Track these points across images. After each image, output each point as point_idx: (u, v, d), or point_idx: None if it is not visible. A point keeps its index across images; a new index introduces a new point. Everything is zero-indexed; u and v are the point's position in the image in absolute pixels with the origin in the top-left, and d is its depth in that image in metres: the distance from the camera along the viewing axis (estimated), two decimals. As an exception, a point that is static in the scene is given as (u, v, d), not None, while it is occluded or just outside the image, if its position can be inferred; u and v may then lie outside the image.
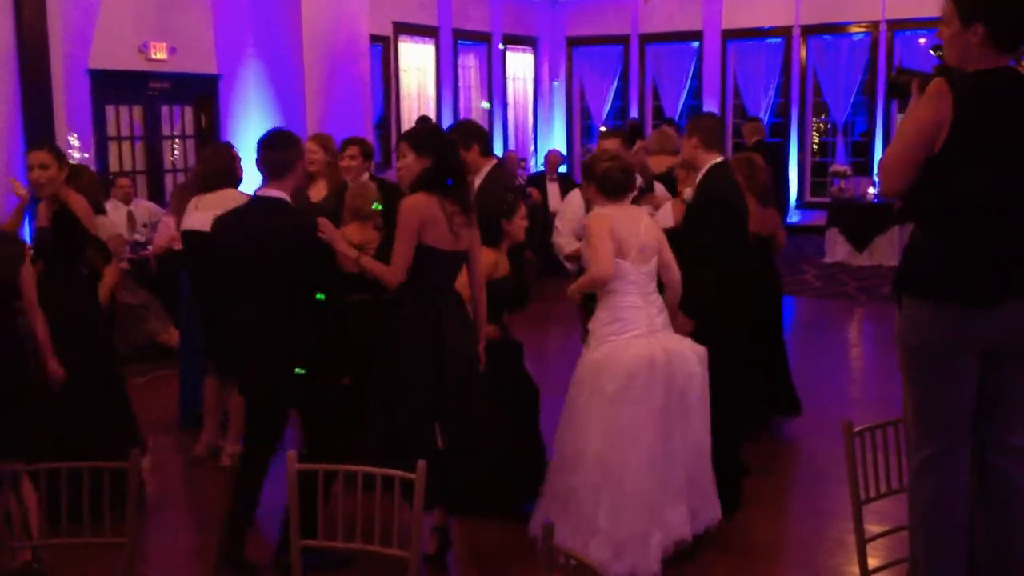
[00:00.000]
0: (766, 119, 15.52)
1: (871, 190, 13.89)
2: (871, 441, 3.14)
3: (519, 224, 5.08)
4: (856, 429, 3.09)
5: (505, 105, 16.23)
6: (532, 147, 16.92)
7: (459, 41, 15.14)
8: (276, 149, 4.50)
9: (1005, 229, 3.12)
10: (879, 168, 3.30)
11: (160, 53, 10.70)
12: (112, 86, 10.23)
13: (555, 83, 17.18)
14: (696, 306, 4.69)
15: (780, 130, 15.57)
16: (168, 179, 11.06)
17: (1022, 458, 3.16)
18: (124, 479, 3.28)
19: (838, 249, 13.24)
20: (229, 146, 6.18)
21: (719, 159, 4.86)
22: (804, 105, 15.53)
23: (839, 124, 15.41)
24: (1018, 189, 3.10)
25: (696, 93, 16.31)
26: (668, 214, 5.11)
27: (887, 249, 12.82)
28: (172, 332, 8.05)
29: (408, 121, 13.90)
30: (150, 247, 8.65)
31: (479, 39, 15.61)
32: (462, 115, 15.48)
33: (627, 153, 5.71)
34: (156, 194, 10.77)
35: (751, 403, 5.26)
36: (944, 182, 3.10)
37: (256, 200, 4.52)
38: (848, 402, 7.22)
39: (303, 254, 4.36)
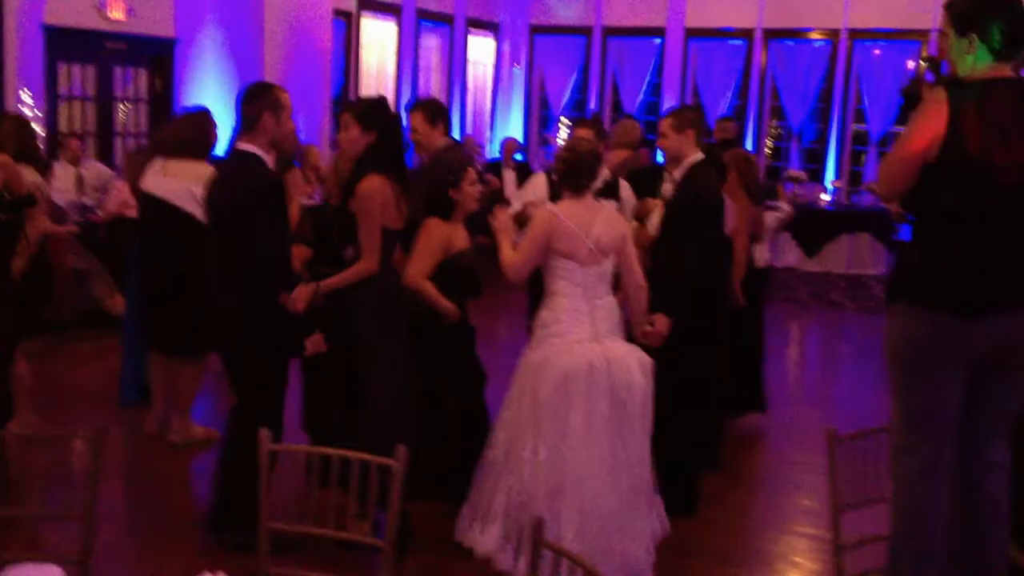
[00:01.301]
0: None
1: (823, 196, 14.03)
2: (849, 448, 3.11)
3: (468, 191, 4.79)
4: (838, 436, 3.05)
5: (464, 89, 16.09)
6: (488, 133, 16.81)
7: (422, 21, 14.96)
8: (244, 101, 4.46)
9: (994, 242, 3.12)
10: (879, 170, 3.29)
11: (117, 12, 10.39)
12: (66, 44, 9.92)
13: (516, 69, 17.07)
14: (670, 304, 4.64)
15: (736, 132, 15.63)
16: (118, 142, 10.77)
17: (999, 472, 3.17)
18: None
19: (788, 254, 13.34)
20: (207, 114, 5.94)
21: (701, 156, 4.79)
22: (762, 108, 15.62)
23: (794, 129, 15.52)
24: (1009, 203, 3.09)
25: (656, 90, 16.31)
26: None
27: (837, 256, 12.96)
28: (118, 299, 7.80)
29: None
30: (99, 211, 8.40)
31: (442, 20, 15.45)
32: (421, 95, 15.33)
33: (598, 145, 5.63)
34: (105, 157, 10.48)
35: (718, 405, 5.21)
36: (937, 192, 3.09)
37: (226, 153, 4.46)
38: (803, 404, 7.26)
39: (248, 215, 4.26)
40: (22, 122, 5.88)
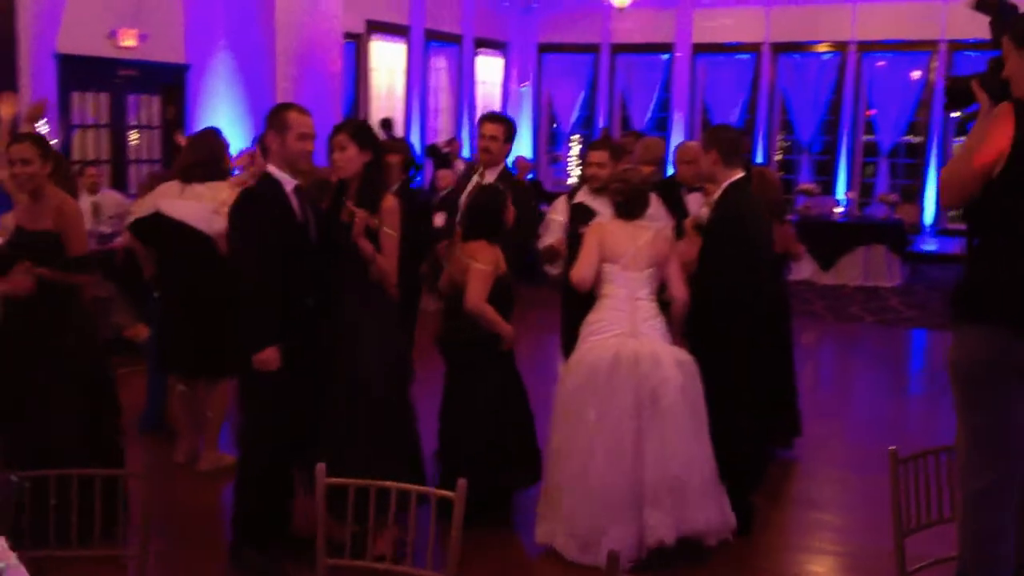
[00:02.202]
0: (733, 134, 15.56)
1: (836, 209, 13.98)
2: (914, 469, 3.05)
3: (509, 213, 4.98)
4: (901, 456, 3.00)
5: (473, 108, 16.09)
6: (497, 152, 16.79)
7: (430, 42, 14.97)
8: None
9: None
10: (941, 178, 3.26)
11: (129, 40, 10.40)
12: (79, 72, 9.92)
13: (523, 88, 17.08)
14: (704, 327, 4.62)
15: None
16: (131, 170, 10.76)
17: None
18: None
19: (804, 267, 13.27)
20: (215, 134, 5.90)
21: (739, 175, 4.73)
22: (771, 122, 15.61)
23: (803, 143, 15.50)
24: None
25: (664, 105, 16.32)
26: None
27: (853, 268, 12.89)
28: (140, 328, 7.79)
29: (376, 120, 13.71)
30: (117, 239, 8.36)
31: (450, 40, 15.46)
32: (432, 117, 15.35)
33: (614, 165, 5.63)
34: (119, 184, 10.47)
35: (760, 436, 5.12)
36: (998, 208, 3.05)
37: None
38: (832, 418, 7.19)
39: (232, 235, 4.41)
40: (61, 156, 5.84)
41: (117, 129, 10.61)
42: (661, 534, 4.41)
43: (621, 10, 14.54)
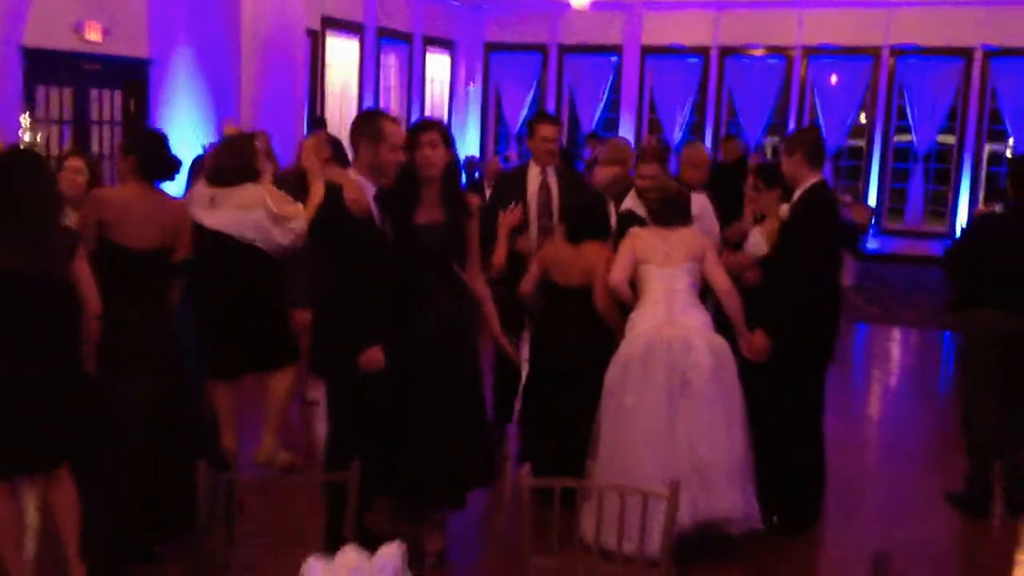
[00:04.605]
0: (680, 136, 15.83)
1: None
2: None
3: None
4: None
5: (422, 107, 16.02)
6: (444, 151, 16.74)
7: (382, 39, 14.86)
8: (351, 129, 4.43)
9: None
10: None
11: (94, 34, 10.07)
12: (45, 66, 9.57)
13: (471, 87, 17.07)
14: (782, 326, 4.70)
15: (695, 147, 15.86)
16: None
17: None
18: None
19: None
20: (247, 139, 5.75)
21: (818, 179, 4.84)
22: (718, 124, 15.90)
23: (750, 145, 15.82)
24: None
25: (613, 106, 16.49)
26: (760, 241, 5.10)
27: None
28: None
29: (335, 117, 13.55)
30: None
31: (401, 38, 15.37)
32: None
33: (665, 174, 5.82)
34: (83, 182, 10.13)
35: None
36: None
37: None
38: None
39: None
40: (93, 160, 5.64)
41: (81, 125, 10.26)
42: (679, 518, 4.47)
43: (580, 12, 14.62)
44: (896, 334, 10.57)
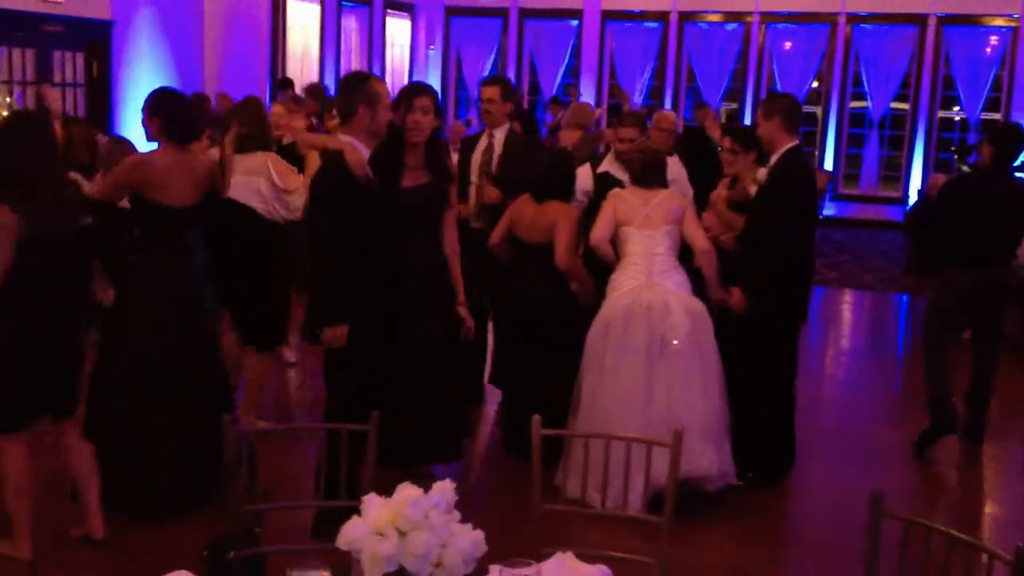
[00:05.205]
0: (640, 101, 15.94)
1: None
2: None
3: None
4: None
5: (383, 71, 15.96)
6: (405, 115, 16.70)
7: (343, 2, 14.77)
8: (341, 93, 4.51)
9: None
10: None
11: (55, -8, 9.97)
12: (6, 27, 9.45)
13: (431, 51, 17.02)
14: (759, 287, 4.86)
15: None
16: (56, 128, 10.29)
17: None
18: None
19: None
20: (256, 103, 5.70)
21: (796, 142, 4.98)
22: (678, 89, 16.03)
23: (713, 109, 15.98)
24: None
25: (573, 71, 16.54)
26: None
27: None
28: (110, 293, 7.57)
29: (296, 81, 13.47)
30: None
31: (361, 2, 15.27)
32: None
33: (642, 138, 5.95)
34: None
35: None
36: None
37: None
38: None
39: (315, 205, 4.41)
40: (90, 128, 5.64)
41: (43, 86, 10.12)
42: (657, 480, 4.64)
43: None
44: (853, 297, 10.84)
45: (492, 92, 5.99)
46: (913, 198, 14.20)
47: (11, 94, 9.77)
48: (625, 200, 5.06)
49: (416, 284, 4.47)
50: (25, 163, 3.87)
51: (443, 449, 4.64)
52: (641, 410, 4.69)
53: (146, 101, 4.62)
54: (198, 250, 4.93)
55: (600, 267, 5.19)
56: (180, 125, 4.59)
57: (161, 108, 4.59)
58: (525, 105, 15.44)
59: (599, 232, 5.04)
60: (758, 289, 4.86)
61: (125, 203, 6.03)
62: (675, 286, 4.89)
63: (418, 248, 4.51)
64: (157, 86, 4.92)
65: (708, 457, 4.75)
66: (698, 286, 5.11)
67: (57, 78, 10.35)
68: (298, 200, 5.25)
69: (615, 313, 4.84)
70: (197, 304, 4.72)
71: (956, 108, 15.32)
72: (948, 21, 14.72)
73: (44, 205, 3.86)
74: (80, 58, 10.62)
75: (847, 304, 10.70)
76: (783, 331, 5.02)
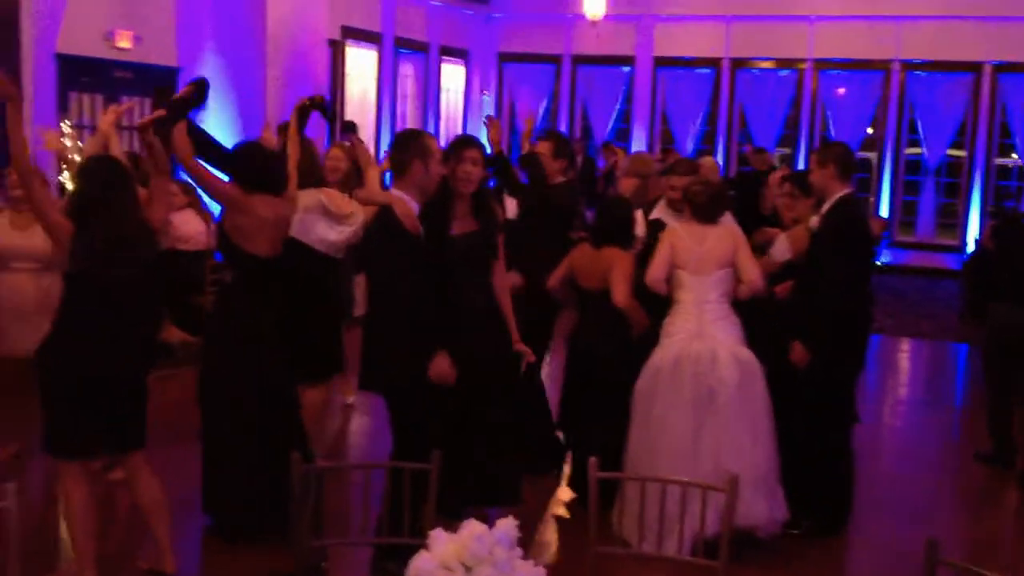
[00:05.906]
0: (692, 147, 16.01)
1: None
2: None
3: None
4: None
5: (438, 116, 16.21)
6: (459, 159, 16.92)
7: (399, 49, 15.06)
8: (395, 148, 4.62)
9: None
10: None
11: (125, 42, 10.30)
12: (77, 73, 9.78)
13: (485, 96, 17.25)
14: (815, 335, 4.87)
15: (707, 158, 16.05)
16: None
17: None
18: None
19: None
20: (312, 141, 5.86)
21: (848, 190, 5.01)
22: (730, 135, 16.08)
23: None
24: None
25: (625, 117, 16.68)
26: (785, 247, 5.25)
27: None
28: (172, 331, 7.76)
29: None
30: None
31: (417, 48, 15.57)
32: (399, 123, 15.41)
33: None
34: (111, 187, 10.31)
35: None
36: None
37: None
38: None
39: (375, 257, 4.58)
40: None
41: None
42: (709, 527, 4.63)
43: (592, 23, 14.82)
44: (910, 345, 10.74)
45: (544, 148, 6.22)
46: (971, 247, 14.08)
47: (80, 139, 10.06)
48: (682, 239, 5.02)
49: (469, 328, 4.54)
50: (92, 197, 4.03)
51: (500, 492, 4.69)
52: (688, 461, 4.68)
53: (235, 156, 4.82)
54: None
55: (656, 303, 5.20)
56: (251, 179, 4.79)
57: (235, 164, 4.85)
58: (579, 160, 15.45)
59: (655, 272, 5.02)
60: (814, 338, 4.86)
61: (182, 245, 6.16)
62: (725, 336, 4.88)
63: (470, 294, 4.60)
64: (221, 129, 5.08)
65: (758, 507, 4.75)
66: (751, 335, 5.11)
67: (125, 122, 10.65)
68: (355, 221, 5.38)
69: (665, 362, 4.86)
70: (276, 344, 4.92)
71: (1013, 156, 15.21)
72: (1003, 69, 14.65)
73: (101, 240, 3.98)
74: (148, 103, 10.92)
75: (904, 353, 10.60)
76: (840, 380, 5.01)
